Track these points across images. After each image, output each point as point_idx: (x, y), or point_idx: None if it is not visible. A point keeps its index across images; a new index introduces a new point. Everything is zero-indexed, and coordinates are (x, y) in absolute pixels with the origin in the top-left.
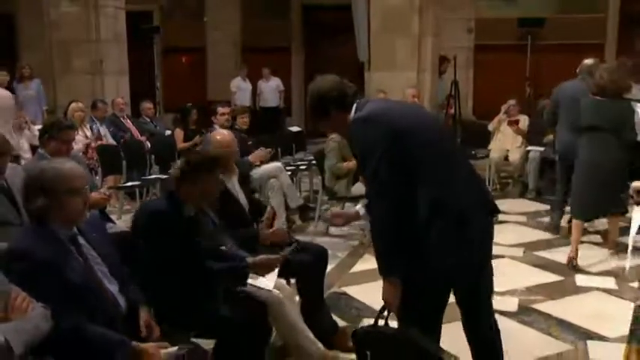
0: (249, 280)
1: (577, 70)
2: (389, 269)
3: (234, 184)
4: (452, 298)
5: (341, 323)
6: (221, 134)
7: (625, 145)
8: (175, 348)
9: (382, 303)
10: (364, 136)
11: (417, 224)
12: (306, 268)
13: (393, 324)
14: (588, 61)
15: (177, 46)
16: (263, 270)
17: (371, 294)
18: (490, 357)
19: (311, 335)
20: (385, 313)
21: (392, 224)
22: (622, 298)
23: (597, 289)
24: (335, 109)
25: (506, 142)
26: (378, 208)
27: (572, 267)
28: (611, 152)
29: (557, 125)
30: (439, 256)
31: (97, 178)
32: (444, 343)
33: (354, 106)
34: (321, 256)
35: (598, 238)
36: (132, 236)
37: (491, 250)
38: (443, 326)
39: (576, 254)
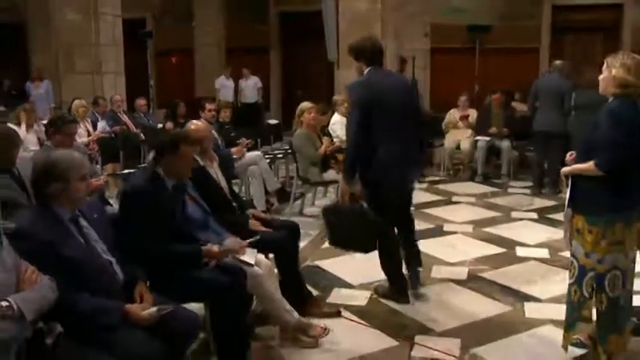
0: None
1: (550, 68)
2: (347, 177)
3: (216, 171)
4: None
5: (314, 293)
6: (195, 124)
7: None
8: (156, 308)
9: (350, 274)
10: (352, 94)
11: (376, 156)
12: (283, 245)
13: None
14: (558, 62)
15: (168, 48)
16: (216, 258)
17: (340, 267)
18: (418, 257)
19: (287, 305)
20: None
21: (353, 153)
22: (553, 265)
23: (534, 258)
24: (362, 60)
25: (457, 133)
26: (349, 142)
27: None
28: None
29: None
30: (389, 175)
31: (98, 166)
32: None
33: (368, 69)
34: (293, 230)
35: (535, 215)
36: (120, 211)
37: (413, 184)
38: None
39: None
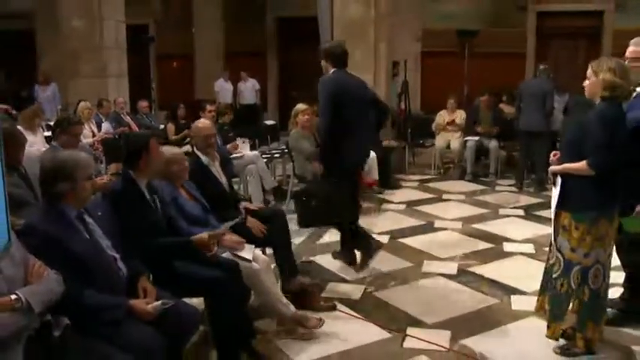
0: (235, 252)
1: (537, 72)
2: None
3: (217, 168)
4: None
5: None
6: (202, 122)
7: None
8: (159, 302)
9: (344, 269)
10: (325, 88)
11: (344, 137)
12: (276, 238)
13: None
14: (542, 66)
15: (169, 52)
16: (208, 245)
17: (335, 262)
18: (366, 236)
19: (283, 298)
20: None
21: (326, 136)
22: (539, 260)
23: (520, 253)
24: (330, 61)
25: (447, 133)
26: (322, 127)
27: None
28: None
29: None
30: (352, 152)
31: (102, 165)
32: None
33: (335, 69)
34: (277, 215)
35: (521, 212)
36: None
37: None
38: None
39: None
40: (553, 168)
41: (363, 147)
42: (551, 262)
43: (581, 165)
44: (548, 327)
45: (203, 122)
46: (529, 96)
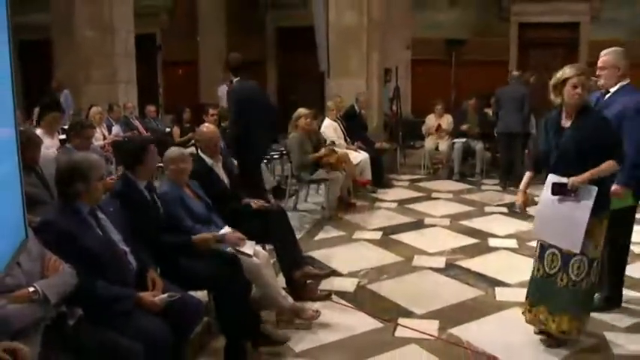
0: (237, 248)
1: (509, 78)
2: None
3: (219, 169)
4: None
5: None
6: (207, 126)
7: None
8: (166, 295)
9: (339, 263)
10: (233, 96)
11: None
12: (278, 235)
13: None
14: (515, 72)
15: (176, 60)
16: (204, 244)
17: (331, 257)
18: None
19: (282, 291)
20: None
21: (233, 137)
22: (522, 254)
23: (504, 248)
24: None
25: (437, 136)
26: (230, 133)
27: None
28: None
29: (500, 113)
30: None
31: (112, 166)
32: None
33: (237, 78)
34: (277, 213)
35: (505, 209)
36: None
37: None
38: None
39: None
40: (579, 179)
41: (264, 143)
42: (551, 272)
43: (608, 165)
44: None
45: (208, 127)
46: (507, 100)
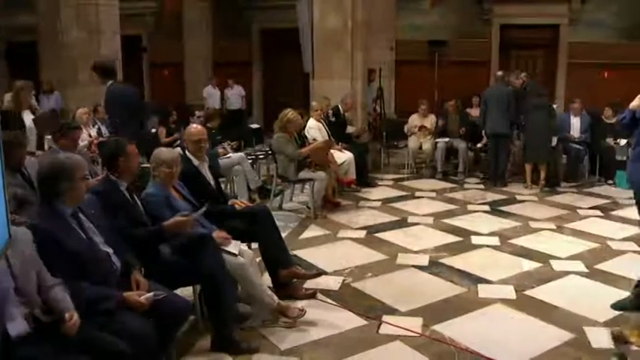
0: (222, 247)
1: (494, 78)
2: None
3: (206, 170)
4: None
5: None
6: (194, 127)
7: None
8: (152, 294)
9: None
10: (108, 96)
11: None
12: (263, 235)
13: None
14: (499, 73)
15: (162, 61)
16: (177, 229)
17: (316, 256)
18: None
19: (268, 290)
20: None
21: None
22: (504, 252)
23: (487, 246)
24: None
25: (420, 135)
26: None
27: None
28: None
29: (486, 114)
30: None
31: (98, 167)
32: None
33: (111, 81)
34: (263, 212)
35: (487, 207)
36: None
37: None
38: None
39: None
40: None
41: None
42: None
43: None
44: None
45: (195, 127)
46: (492, 101)
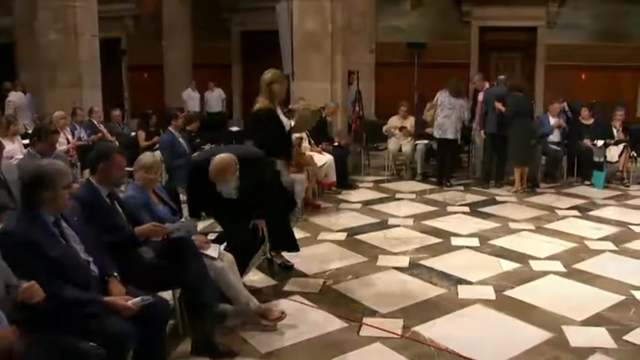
0: (201, 250)
1: (495, 82)
2: None
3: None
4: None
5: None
6: (220, 158)
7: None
8: (139, 298)
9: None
10: None
11: None
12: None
13: None
14: (501, 77)
15: (141, 64)
16: (148, 235)
17: (296, 258)
18: None
19: (247, 293)
20: None
21: None
22: (483, 253)
23: (467, 247)
24: None
25: (400, 137)
26: None
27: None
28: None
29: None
30: None
31: (77, 170)
32: None
33: None
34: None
35: (467, 209)
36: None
37: None
38: None
39: (520, 187)
40: None
41: None
42: None
43: None
44: None
45: (221, 158)
46: (490, 103)
